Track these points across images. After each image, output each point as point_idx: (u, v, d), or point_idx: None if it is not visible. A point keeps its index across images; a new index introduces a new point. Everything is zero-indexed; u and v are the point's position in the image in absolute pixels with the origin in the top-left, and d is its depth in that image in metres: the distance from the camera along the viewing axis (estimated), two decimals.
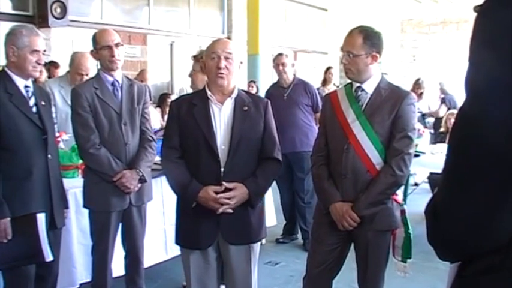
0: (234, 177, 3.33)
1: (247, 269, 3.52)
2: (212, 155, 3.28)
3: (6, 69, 3.63)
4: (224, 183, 3.28)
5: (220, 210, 3.27)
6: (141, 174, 4.11)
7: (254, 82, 10.63)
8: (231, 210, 3.29)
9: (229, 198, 3.28)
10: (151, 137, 4.28)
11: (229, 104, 3.39)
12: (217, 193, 3.27)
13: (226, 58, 3.31)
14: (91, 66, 5.28)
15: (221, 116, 3.37)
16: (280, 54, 6.60)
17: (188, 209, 3.35)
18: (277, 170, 3.54)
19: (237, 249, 3.45)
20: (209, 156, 3.28)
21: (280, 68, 6.47)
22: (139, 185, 4.13)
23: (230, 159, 3.31)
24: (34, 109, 3.67)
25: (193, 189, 3.29)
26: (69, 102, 5.17)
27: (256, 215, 3.50)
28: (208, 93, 3.38)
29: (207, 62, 3.36)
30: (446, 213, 1.30)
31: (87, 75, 5.26)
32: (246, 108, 3.40)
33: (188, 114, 3.35)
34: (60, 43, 9.70)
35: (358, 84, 3.48)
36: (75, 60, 5.35)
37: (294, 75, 6.58)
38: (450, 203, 1.29)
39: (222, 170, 3.31)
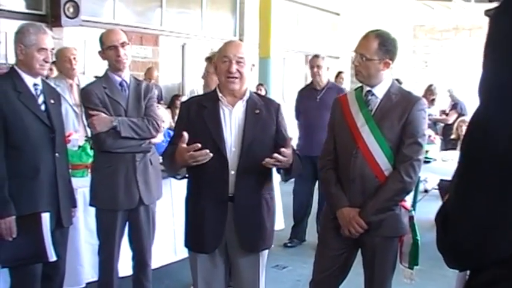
0: (246, 180, 3.30)
1: (255, 273, 3.50)
2: (221, 158, 3.24)
3: (15, 67, 3.65)
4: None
5: (200, 153, 3.11)
6: (115, 124, 3.98)
7: (262, 85, 10.60)
8: (211, 154, 3.14)
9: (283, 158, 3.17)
10: (154, 119, 4.20)
11: (240, 106, 3.37)
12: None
13: (238, 62, 3.28)
14: (75, 52, 5.70)
15: (232, 119, 3.34)
16: (317, 56, 6.55)
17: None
18: (299, 163, 3.43)
19: (248, 255, 3.44)
20: (217, 159, 3.22)
21: (315, 70, 6.44)
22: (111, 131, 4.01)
23: (242, 162, 3.28)
24: (43, 107, 3.67)
25: (170, 154, 3.27)
26: (67, 99, 5.25)
27: (270, 221, 3.50)
28: (219, 95, 3.35)
29: (219, 64, 3.34)
30: (456, 222, 1.29)
31: (74, 59, 5.60)
32: (257, 111, 3.38)
33: (197, 115, 3.33)
34: (72, 43, 9.74)
35: (368, 88, 3.46)
36: (59, 53, 5.63)
37: (328, 79, 6.56)
38: (460, 212, 1.28)
39: (232, 172, 3.27)
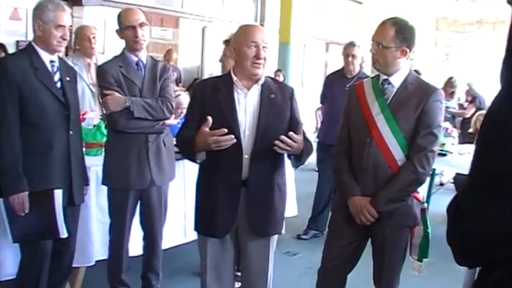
0: (259, 165, 3.30)
1: (264, 258, 3.50)
2: (235, 142, 3.22)
3: (33, 43, 3.65)
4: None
5: (226, 138, 3.13)
6: (128, 104, 3.99)
7: (280, 71, 10.54)
8: (235, 140, 3.16)
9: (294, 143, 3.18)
10: (169, 101, 4.19)
11: (255, 90, 3.35)
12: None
13: (264, 47, 3.27)
14: (95, 32, 5.71)
15: (247, 103, 3.32)
16: (353, 45, 6.43)
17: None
18: (311, 149, 3.43)
19: (258, 239, 3.43)
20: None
21: (350, 59, 6.35)
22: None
23: (256, 146, 3.27)
24: (58, 84, 3.67)
25: (190, 138, 3.23)
26: (84, 78, 5.25)
27: (282, 206, 3.50)
28: (234, 78, 3.33)
29: (242, 48, 3.27)
30: (469, 215, 1.26)
31: (94, 38, 5.62)
32: (272, 95, 3.36)
33: (212, 98, 3.31)
34: (92, 22, 9.75)
35: (385, 77, 3.42)
36: (78, 31, 5.73)
37: (360, 67, 6.49)
38: (473, 205, 1.26)
39: (246, 157, 3.26)
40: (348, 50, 6.39)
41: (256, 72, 3.29)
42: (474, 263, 1.36)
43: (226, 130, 3.12)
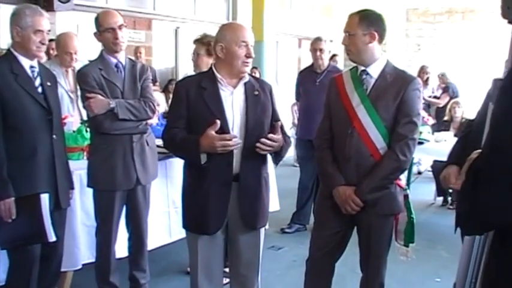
0: (249, 160, 3.36)
1: (255, 250, 3.57)
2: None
3: (12, 49, 3.64)
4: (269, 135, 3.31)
5: (235, 141, 3.23)
6: (112, 106, 4.00)
7: (256, 68, 10.57)
8: (238, 142, 3.25)
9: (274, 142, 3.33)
10: (151, 101, 4.22)
11: (240, 88, 3.40)
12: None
13: (251, 46, 3.35)
14: (77, 45, 5.43)
15: (233, 100, 3.36)
16: (319, 39, 6.48)
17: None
18: (288, 144, 3.53)
19: (248, 233, 3.49)
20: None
21: (318, 53, 6.40)
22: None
23: (246, 143, 3.32)
24: (40, 89, 3.67)
25: (194, 140, 3.24)
26: (62, 84, 5.19)
27: (267, 199, 3.56)
28: (218, 76, 3.37)
29: (233, 48, 3.30)
30: (488, 179, 1.30)
31: (75, 53, 5.40)
32: (256, 92, 3.43)
33: (198, 98, 3.32)
34: (65, 27, 9.68)
35: (363, 68, 3.48)
36: (60, 41, 5.45)
37: (330, 61, 6.51)
38: (492, 169, 1.29)
39: (236, 152, 3.31)
40: (315, 44, 6.46)
41: (245, 70, 3.37)
42: (491, 225, 1.39)
43: (235, 134, 3.23)
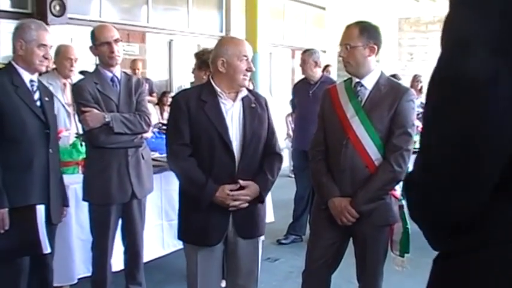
0: (248, 173, 3.39)
1: (253, 262, 3.59)
2: (227, 152, 3.33)
3: (13, 62, 3.67)
4: (240, 181, 3.34)
5: (236, 203, 3.33)
6: (108, 119, 4.01)
7: (250, 80, 10.60)
8: (246, 204, 3.36)
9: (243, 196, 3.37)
10: (146, 115, 4.24)
11: (239, 101, 3.44)
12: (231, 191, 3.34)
13: (250, 60, 3.41)
14: (77, 53, 5.48)
15: (233, 113, 3.40)
16: (304, 51, 6.54)
17: (202, 208, 3.34)
18: (281, 164, 3.61)
19: (246, 243, 3.50)
20: (224, 154, 3.33)
21: (304, 65, 6.44)
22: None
23: (244, 155, 3.37)
24: (38, 103, 3.70)
25: (210, 189, 3.31)
26: (60, 98, 5.21)
27: (263, 209, 3.60)
28: (218, 89, 3.39)
29: (235, 62, 3.35)
30: (425, 175, 1.25)
31: (75, 60, 5.44)
32: (253, 105, 3.47)
33: (199, 111, 3.34)
34: (59, 41, 9.71)
35: (357, 80, 3.49)
36: (61, 48, 5.50)
37: (323, 72, 6.52)
38: (426, 164, 1.26)
39: (236, 164, 3.36)
40: (302, 56, 6.51)
41: (245, 84, 3.42)
42: (438, 226, 1.32)
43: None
